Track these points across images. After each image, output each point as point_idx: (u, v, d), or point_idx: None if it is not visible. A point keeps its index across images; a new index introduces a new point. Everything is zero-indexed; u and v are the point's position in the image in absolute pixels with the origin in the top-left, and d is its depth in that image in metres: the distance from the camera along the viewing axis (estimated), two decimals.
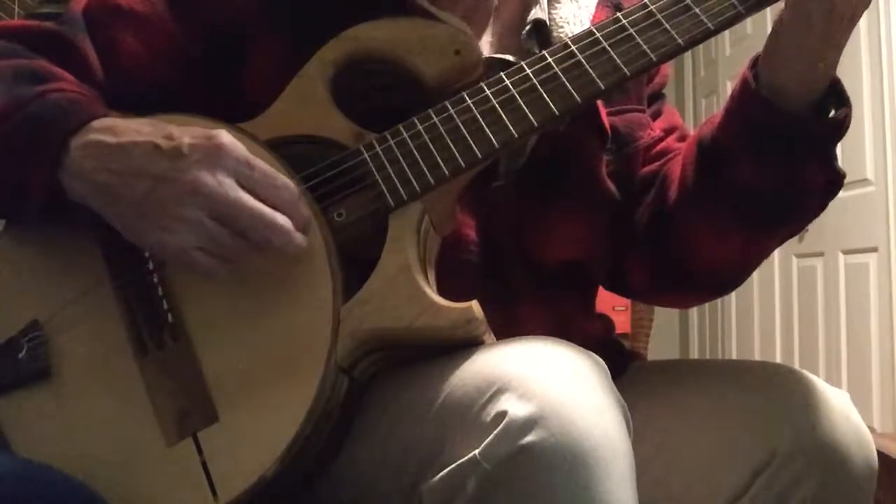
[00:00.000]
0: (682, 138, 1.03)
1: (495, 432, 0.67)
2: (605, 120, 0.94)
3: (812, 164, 0.86)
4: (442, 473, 0.70)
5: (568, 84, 0.82)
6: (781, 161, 0.86)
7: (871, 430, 0.91)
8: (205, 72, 0.89)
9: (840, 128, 0.85)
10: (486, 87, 0.83)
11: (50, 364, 0.81)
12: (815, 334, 2.95)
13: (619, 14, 0.83)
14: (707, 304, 3.66)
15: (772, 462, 0.83)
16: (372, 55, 0.85)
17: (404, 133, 0.82)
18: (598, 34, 0.82)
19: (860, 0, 0.79)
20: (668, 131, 1.03)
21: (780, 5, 0.83)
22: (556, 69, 0.82)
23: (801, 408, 0.84)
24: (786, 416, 0.84)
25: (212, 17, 0.89)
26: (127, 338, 0.81)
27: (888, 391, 2.51)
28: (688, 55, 3.92)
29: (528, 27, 0.93)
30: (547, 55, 0.83)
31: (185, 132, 0.77)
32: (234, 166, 0.75)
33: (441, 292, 0.78)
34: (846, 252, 2.80)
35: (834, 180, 0.88)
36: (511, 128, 0.81)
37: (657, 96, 1.05)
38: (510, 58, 0.90)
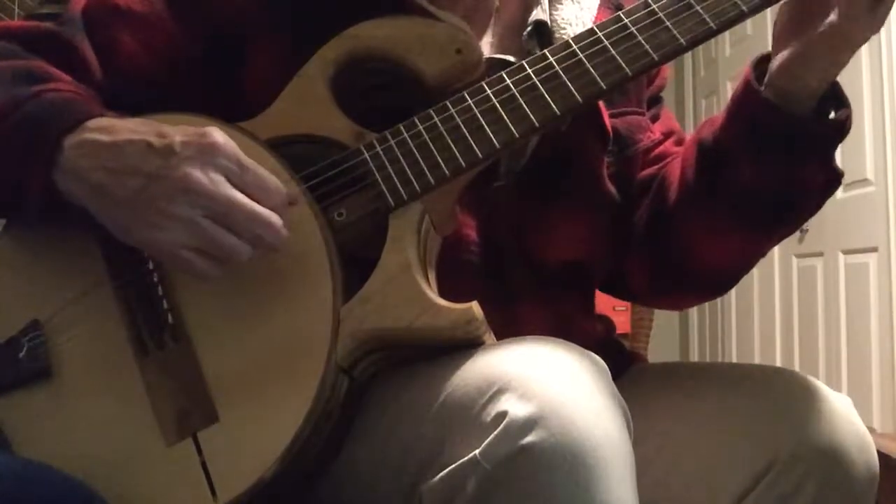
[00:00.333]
0: (680, 142, 1.03)
1: (495, 432, 0.67)
2: (607, 122, 0.93)
3: (812, 164, 0.86)
4: (442, 473, 0.70)
5: (569, 83, 0.82)
6: (782, 162, 0.86)
7: (871, 430, 0.91)
8: (204, 71, 0.89)
9: (842, 129, 0.85)
10: (486, 87, 0.83)
11: (50, 364, 0.81)
12: (815, 334, 2.95)
13: (620, 13, 0.83)
14: (707, 305, 3.67)
15: (773, 466, 0.83)
16: (372, 54, 0.85)
17: (405, 133, 0.82)
18: (599, 33, 0.82)
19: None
20: (667, 135, 1.03)
21: (782, 5, 0.84)
22: (558, 68, 0.82)
23: (803, 412, 0.84)
24: (787, 420, 0.84)
25: (211, 16, 0.89)
26: (127, 338, 0.81)
27: (888, 391, 2.51)
28: (688, 55, 3.92)
29: (529, 28, 0.92)
30: (548, 54, 0.83)
31: (178, 130, 0.76)
32: (224, 164, 0.75)
33: (441, 292, 0.78)
34: (846, 252, 2.80)
35: (833, 179, 0.88)
36: (512, 128, 0.81)
37: (656, 100, 1.06)
38: (511, 58, 0.90)
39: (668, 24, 0.81)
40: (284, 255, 0.77)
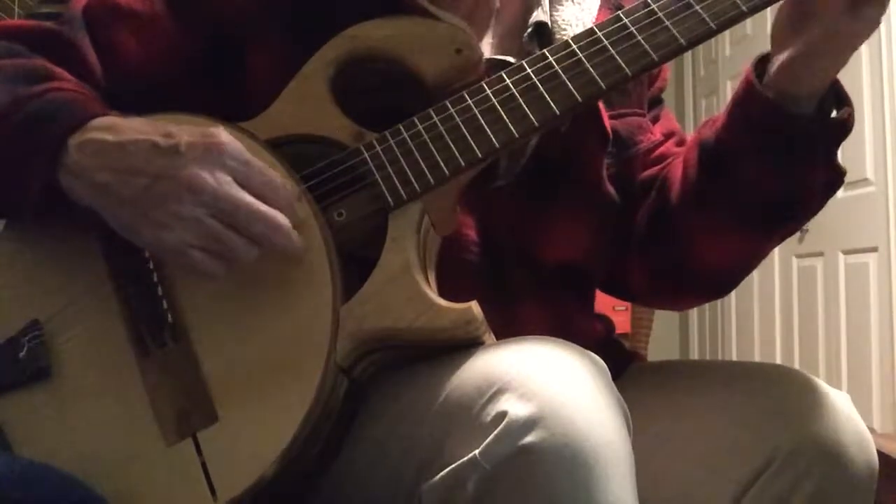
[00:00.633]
0: (681, 143, 1.03)
1: (495, 432, 0.67)
2: (607, 123, 0.93)
3: (815, 163, 0.86)
4: (442, 473, 0.70)
5: (569, 83, 0.81)
6: (785, 161, 0.86)
7: (871, 430, 0.91)
8: (205, 71, 0.89)
9: (844, 127, 0.85)
10: (486, 87, 0.83)
11: (50, 364, 0.81)
12: (815, 334, 2.95)
13: (620, 13, 0.83)
14: (707, 305, 3.65)
15: (772, 463, 0.83)
16: (372, 54, 0.85)
17: (404, 132, 0.82)
18: (599, 33, 0.82)
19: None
20: (668, 136, 1.03)
21: (781, 5, 0.84)
22: (557, 68, 0.82)
23: (802, 409, 0.84)
24: (786, 417, 0.84)
25: (212, 16, 0.89)
26: (127, 338, 0.81)
27: (888, 391, 2.51)
28: (688, 55, 3.92)
29: (529, 29, 0.92)
30: (548, 54, 0.83)
31: (184, 130, 0.77)
32: (231, 164, 0.75)
33: (441, 292, 0.78)
34: (846, 252, 2.80)
35: (835, 178, 0.88)
36: (511, 127, 0.81)
37: (656, 101, 1.06)
38: (511, 59, 0.90)
39: (667, 23, 0.81)
40: (284, 255, 0.77)
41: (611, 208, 0.96)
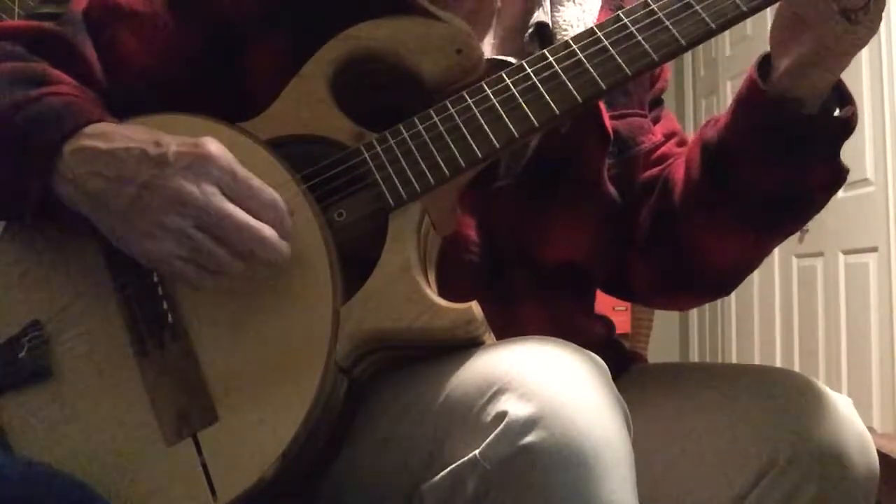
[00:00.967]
0: (682, 143, 1.03)
1: (495, 432, 0.67)
2: (608, 123, 0.93)
3: (818, 162, 0.86)
4: (442, 473, 0.70)
5: (569, 83, 0.81)
6: (788, 160, 0.86)
7: (871, 430, 0.91)
8: (205, 71, 0.89)
9: (847, 126, 0.85)
10: (486, 87, 0.83)
11: (50, 364, 0.81)
12: (815, 334, 2.95)
13: (620, 13, 0.83)
14: (707, 305, 3.66)
15: (773, 466, 0.82)
16: (372, 54, 0.85)
17: (404, 133, 0.82)
18: (599, 33, 0.82)
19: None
20: (669, 136, 1.03)
21: (777, 11, 0.84)
22: (557, 68, 0.82)
23: (804, 412, 0.84)
24: (788, 420, 0.83)
25: (212, 16, 0.89)
26: (127, 338, 0.81)
27: (888, 391, 2.51)
28: (688, 55, 3.92)
29: (530, 30, 0.92)
30: (548, 54, 0.83)
31: (174, 139, 0.76)
32: (217, 175, 0.75)
33: (441, 292, 0.78)
34: (846, 252, 2.80)
35: (838, 177, 0.88)
36: (512, 128, 0.81)
37: (657, 102, 1.06)
38: (512, 60, 0.90)
39: (667, 23, 0.81)
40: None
41: (611, 209, 0.96)
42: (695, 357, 3.95)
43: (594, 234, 0.96)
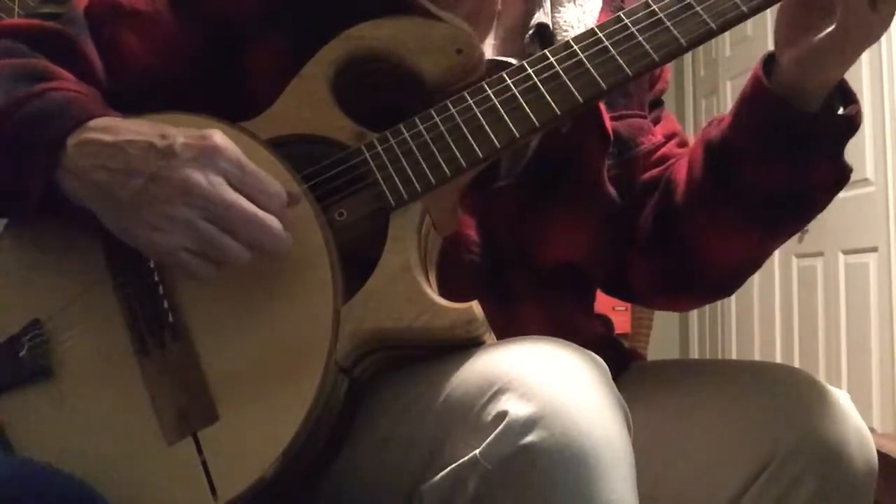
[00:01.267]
0: (683, 144, 1.03)
1: (496, 432, 0.67)
2: (608, 124, 0.93)
3: (822, 161, 0.87)
4: (442, 473, 0.70)
5: (570, 84, 0.82)
6: (792, 159, 0.86)
7: (871, 430, 0.91)
8: (206, 71, 0.89)
9: (851, 124, 0.85)
10: (487, 87, 0.83)
11: (50, 363, 0.81)
12: (815, 334, 2.95)
13: (620, 14, 0.83)
14: (707, 305, 3.66)
15: (772, 462, 0.83)
16: (373, 54, 0.85)
17: (405, 132, 0.82)
18: (599, 34, 0.82)
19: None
20: (669, 137, 1.03)
21: (784, 4, 0.84)
22: (558, 69, 0.82)
23: (802, 407, 0.84)
24: (786, 415, 0.84)
25: (213, 16, 0.89)
26: (127, 337, 0.81)
27: (888, 391, 2.51)
28: (688, 55, 3.91)
29: (531, 31, 0.92)
30: (548, 54, 0.83)
31: (180, 131, 0.76)
32: (224, 167, 0.75)
33: (441, 292, 0.78)
34: (846, 252, 2.80)
35: (842, 176, 0.88)
36: (513, 128, 0.81)
37: (657, 103, 1.06)
38: (512, 60, 0.90)
39: (668, 24, 0.81)
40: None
41: (611, 209, 0.96)
42: (695, 357, 3.94)
43: (594, 234, 0.96)
